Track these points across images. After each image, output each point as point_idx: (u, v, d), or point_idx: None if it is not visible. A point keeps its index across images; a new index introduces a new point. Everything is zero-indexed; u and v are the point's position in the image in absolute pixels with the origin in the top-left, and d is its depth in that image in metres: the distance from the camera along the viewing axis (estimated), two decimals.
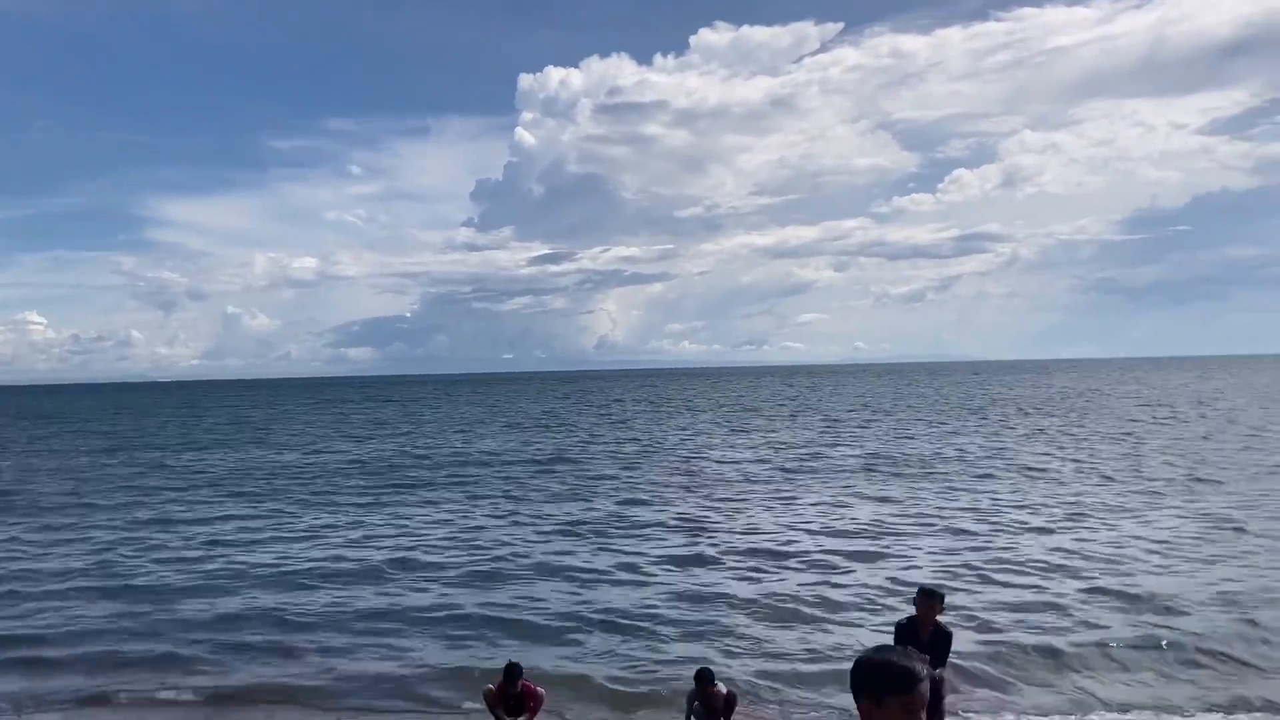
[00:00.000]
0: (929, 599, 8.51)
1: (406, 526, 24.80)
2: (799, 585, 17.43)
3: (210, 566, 20.33)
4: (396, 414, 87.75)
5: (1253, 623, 14.45)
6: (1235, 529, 21.85)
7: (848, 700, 11.67)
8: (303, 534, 24.15)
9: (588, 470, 36.90)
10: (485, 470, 37.66)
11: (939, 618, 8.51)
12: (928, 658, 3.66)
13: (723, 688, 10.35)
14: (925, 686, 3.48)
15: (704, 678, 10.32)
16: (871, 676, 3.49)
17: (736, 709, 10.30)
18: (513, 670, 10.88)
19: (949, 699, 9.63)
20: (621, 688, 12.52)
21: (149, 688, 12.84)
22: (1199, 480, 29.79)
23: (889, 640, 8.53)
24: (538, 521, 25.17)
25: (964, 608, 15.49)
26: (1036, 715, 11.29)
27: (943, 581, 17.55)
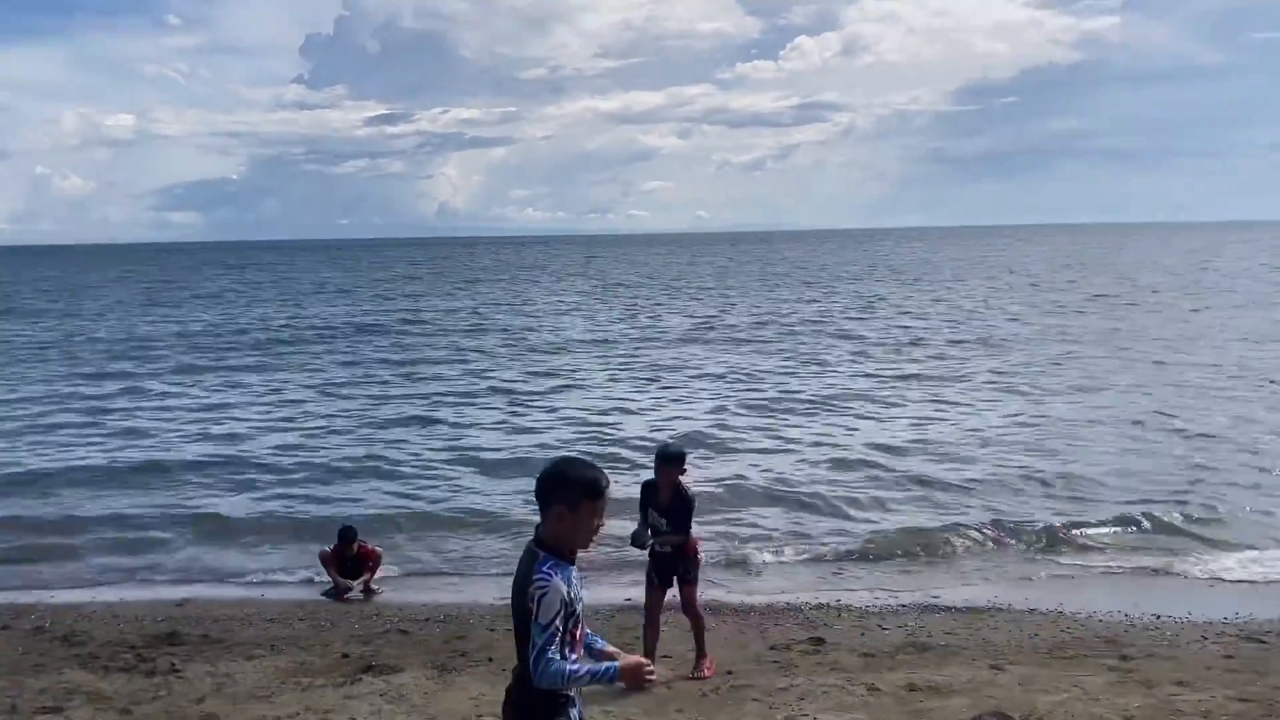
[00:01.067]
0: (667, 463, 7.85)
1: (233, 402, 24.48)
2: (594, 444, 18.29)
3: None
4: (234, 282, 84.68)
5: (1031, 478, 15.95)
6: (1008, 388, 23.83)
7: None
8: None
9: (428, 347, 36.90)
10: (306, 346, 37.17)
11: (682, 480, 7.88)
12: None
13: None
14: (609, 494, 3.99)
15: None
16: (567, 484, 3.94)
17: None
18: (346, 533, 11.27)
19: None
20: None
21: None
22: (985, 343, 32.11)
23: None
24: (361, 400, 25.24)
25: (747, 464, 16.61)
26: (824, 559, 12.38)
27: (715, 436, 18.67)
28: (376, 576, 11.27)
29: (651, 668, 4.02)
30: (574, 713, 3.95)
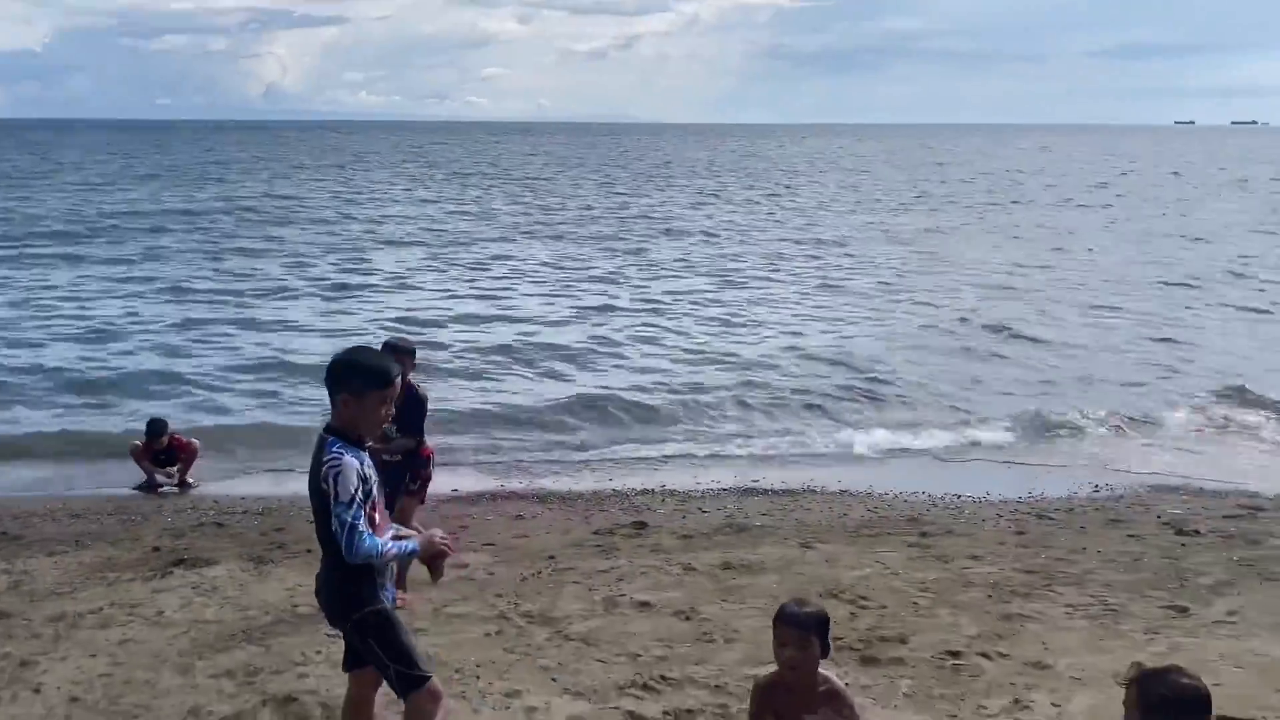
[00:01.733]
0: (395, 356, 6.63)
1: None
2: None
3: None
4: (38, 162, 78.81)
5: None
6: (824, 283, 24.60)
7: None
8: None
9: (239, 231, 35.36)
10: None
11: (412, 378, 6.98)
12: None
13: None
14: (399, 382, 4.03)
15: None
16: (354, 372, 3.94)
17: None
18: (155, 425, 10.83)
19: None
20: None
21: None
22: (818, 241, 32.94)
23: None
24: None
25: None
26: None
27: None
28: (193, 470, 10.91)
29: (446, 537, 4.08)
30: (385, 595, 3.96)
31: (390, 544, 3.91)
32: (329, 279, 25.02)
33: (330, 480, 3.76)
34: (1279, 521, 9.50)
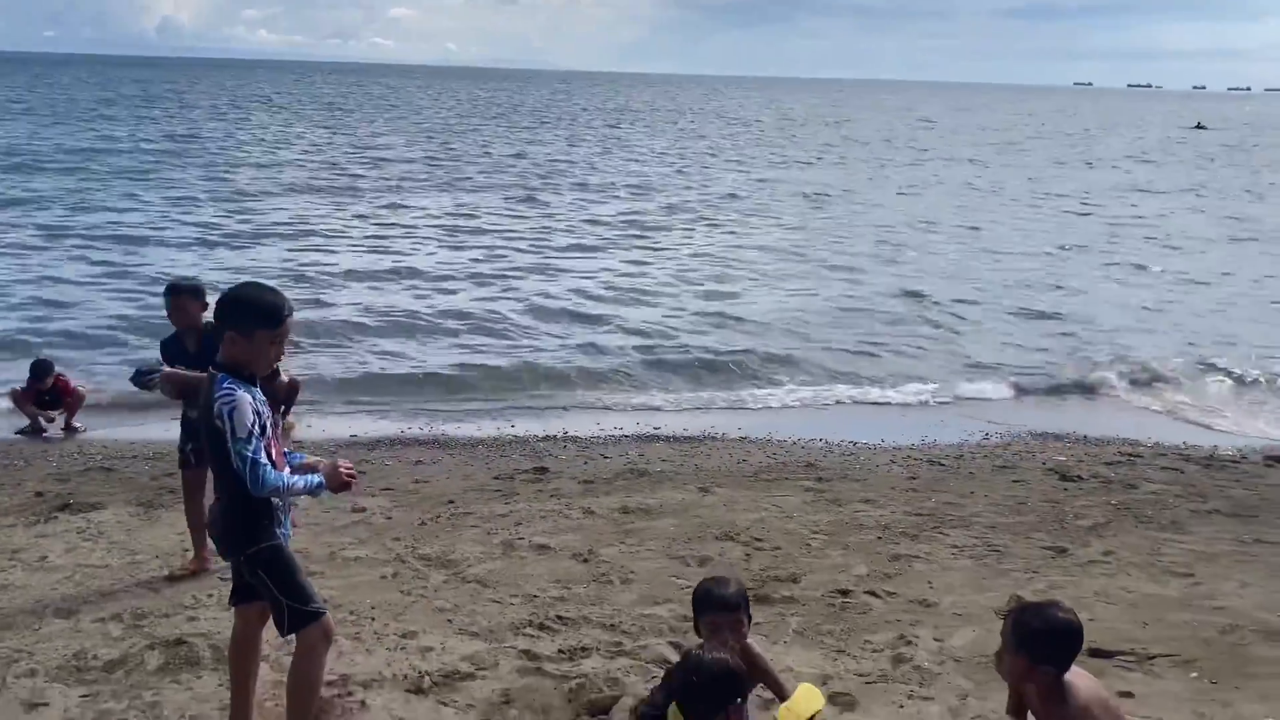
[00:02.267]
0: (179, 295, 6.25)
1: None
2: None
3: None
4: None
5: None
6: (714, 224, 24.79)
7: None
8: None
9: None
10: None
11: (206, 318, 6.15)
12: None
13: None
14: (291, 321, 3.94)
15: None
16: (242, 308, 3.86)
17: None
18: (39, 367, 10.46)
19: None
20: None
21: None
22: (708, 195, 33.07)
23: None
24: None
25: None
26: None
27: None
28: (79, 417, 10.57)
29: (349, 466, 4.05)
30: (281, 531, 3.92)
31: (295, 478, 3.89)
32: (219, 225, 24.11)
33: (226, 417, 3.70)
34: (1155, 468, 9.93)
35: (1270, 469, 10.13)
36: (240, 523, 3.88)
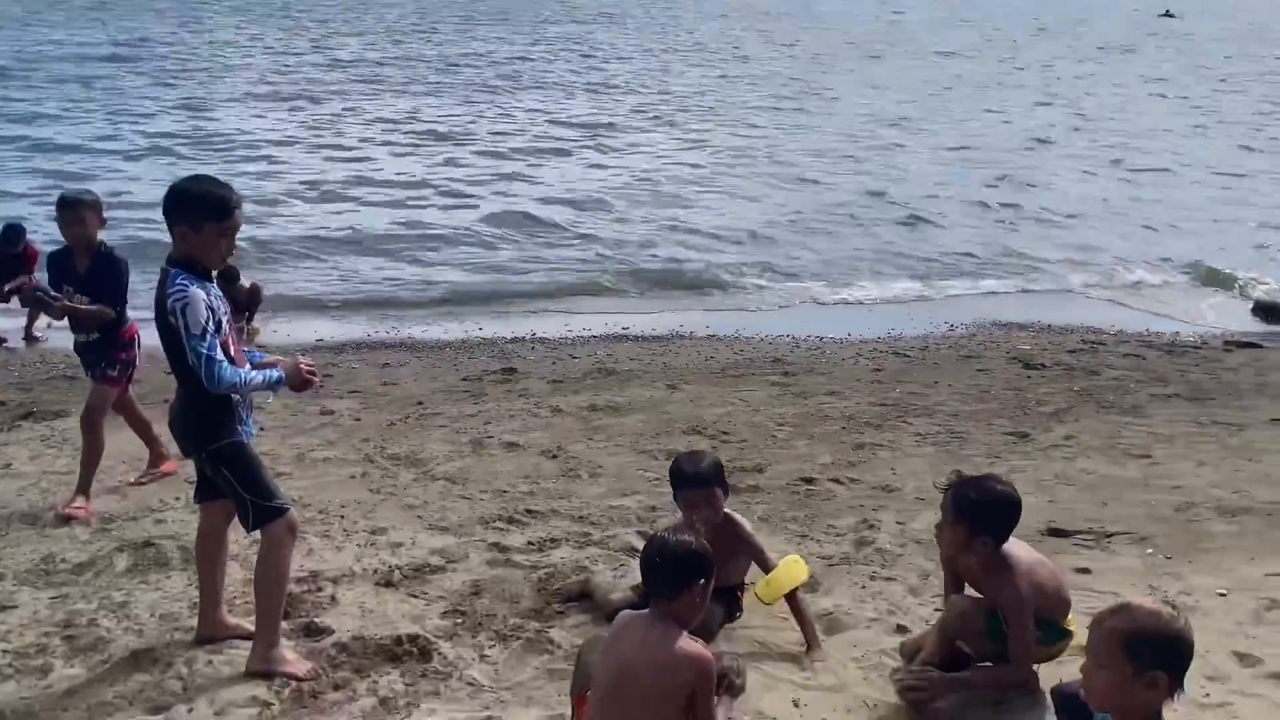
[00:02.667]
0: (78, 207, 5.64)
1: None
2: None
3: None
4: None
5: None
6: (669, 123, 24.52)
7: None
8: None
9: None
10: None
11: (100, 238, 5.75)
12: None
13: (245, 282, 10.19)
14: (241, 214, 3.87)
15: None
16: (189, 202, 3.77)
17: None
18: (10, 231, 10.05)
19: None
20: None
21: None
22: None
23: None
24: None
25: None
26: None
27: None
28: (40, 326, 10.34)
29: (310, 364, 4.03)
30: (243, 429, 3.90)
31: (254, 374, 3.86)
32: (171, 134, 23.38)
33: (179, 314, 3.65)
34: (1117, 355, 10.06)
35: (1229, 353, 10.30)
36: (199, 420, 3.85)
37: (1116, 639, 2.60)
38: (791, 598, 4.20)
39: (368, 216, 16.18)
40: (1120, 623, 2.62)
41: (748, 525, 4.39)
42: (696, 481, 4.23)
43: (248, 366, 3.93)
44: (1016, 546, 3.76)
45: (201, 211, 3.74)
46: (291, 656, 3.93)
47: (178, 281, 3.69)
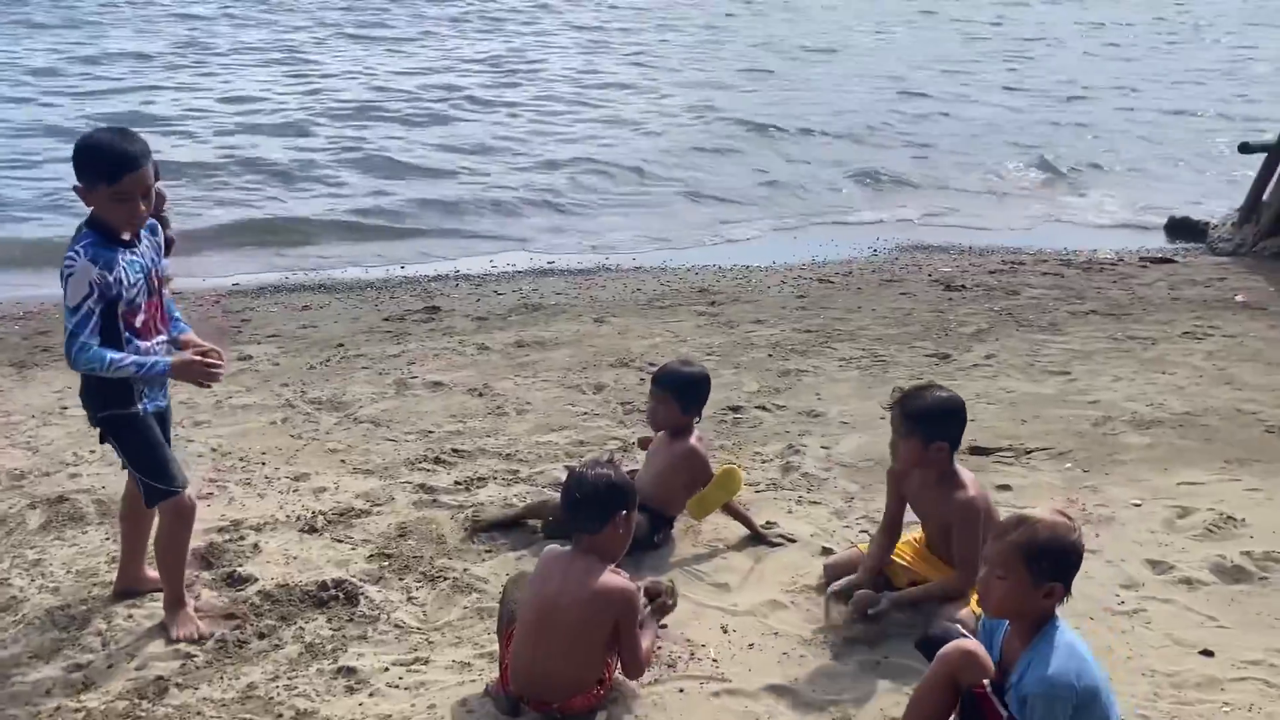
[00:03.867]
0: None
1: None
2: None
3: None
4: None
5: None
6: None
7: None
8: None
9: None
10: None
11: None
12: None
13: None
14: (145, 173, 3.49)
15: None
16: (80, 160, 3.48)
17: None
18: None
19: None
20: None
21: None
22: None
23: None
24: None
25: None
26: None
27: None
28: None
29: (215, 362, 3.73)
30: (143, 404, 3.68)
31: (127, 360, 3.52)
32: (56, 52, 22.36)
33: (63, 281, 3.45)
34: (1037, 274, 10.22)
35: (1145, 269, 10.51)
36: (93, 386, 3.65)
37: (1018, 552, 2.69)
38: (727, 505, 4.42)
39: (270, 149, 15.67)
40: (1022, 536, 2.70)
41: (703, 450, 4.52)
42: (654, 380, 4.60)
43: (161, 340, 3.73)
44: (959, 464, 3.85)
45: (90, 171, 3.46)
46: (185, 617, 3.79)
47: (75, 249, 3.44)
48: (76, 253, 3.46)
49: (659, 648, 3.56)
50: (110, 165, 3.44)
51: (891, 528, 3.97)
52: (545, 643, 3.08)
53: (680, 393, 4.46)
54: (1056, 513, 2.80)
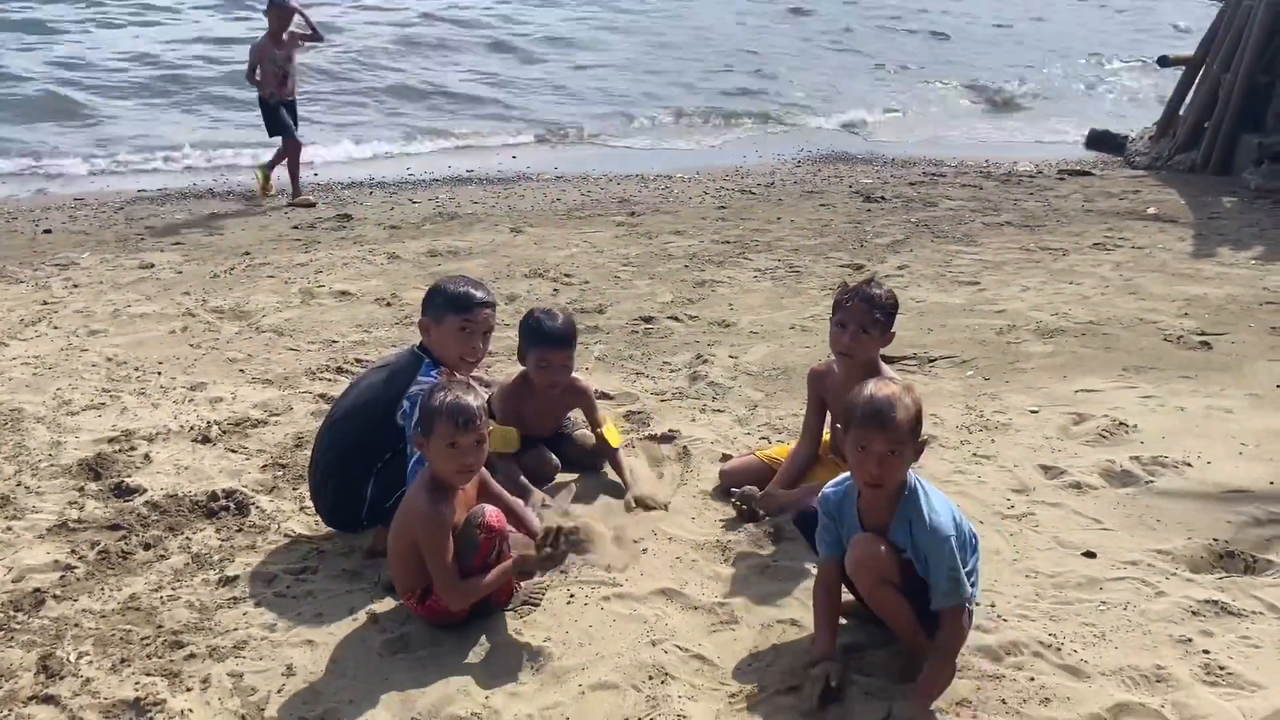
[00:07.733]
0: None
1: None
2: None
3: None
4: None
5: None
6: None
7: None
8: None
9: None
10: None
11: None
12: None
13: None
14: (487, 313, 3.60)
15: None
16: (434, 296, 3.62)
17: None
18: None
19: None
20: None
21: None
22: None
23: None
24: None
25: None
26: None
27: None
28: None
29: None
30: None
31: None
32: None
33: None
34: (956, 186, 10.24)
35: (1061, 181, 10.59)
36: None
37: (913, 420, 2.88)
38: (613, 455, 4.19)
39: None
40: (912, 406, 2.89)
41: (591, 389, 4.36)
42: (559, 341, 4.05)
43: None
44: None
45: (444, 305, 3.59)
46: None
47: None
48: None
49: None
50: (462, 300, 3.57)
51: (812, 436, 3.97)
52: (393, 558, 3.25)
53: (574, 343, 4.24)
54: (886, 380, 2.98)
